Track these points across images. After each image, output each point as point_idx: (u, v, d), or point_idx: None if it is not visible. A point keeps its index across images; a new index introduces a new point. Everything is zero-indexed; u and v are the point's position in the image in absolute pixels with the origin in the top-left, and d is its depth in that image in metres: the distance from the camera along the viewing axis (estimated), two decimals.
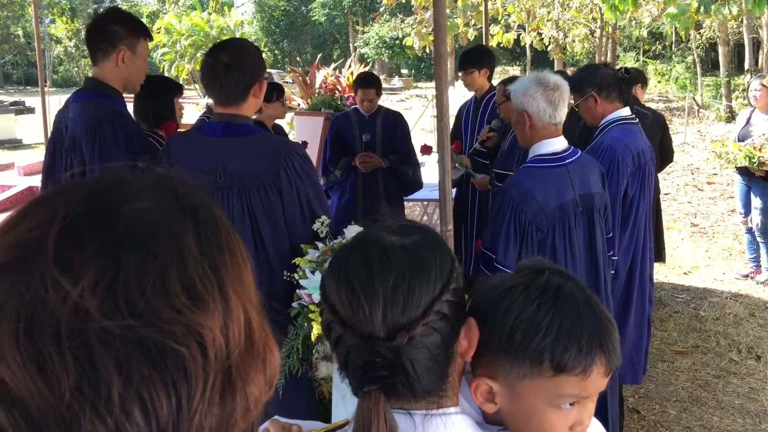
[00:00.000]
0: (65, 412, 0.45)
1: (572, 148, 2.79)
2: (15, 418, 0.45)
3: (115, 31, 2.78)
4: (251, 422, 0.56)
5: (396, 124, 5.08)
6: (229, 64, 2.45)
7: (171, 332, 0.48)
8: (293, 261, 2.50)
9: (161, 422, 0.47)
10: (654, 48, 26.33)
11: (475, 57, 4.86)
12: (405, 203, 5.57)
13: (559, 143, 2.73)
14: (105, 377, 0.46)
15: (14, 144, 16.65)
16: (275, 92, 4.39)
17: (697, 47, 21.15)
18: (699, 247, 7.34)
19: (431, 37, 15.09)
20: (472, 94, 5.09)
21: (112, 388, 0.46)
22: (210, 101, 5.70)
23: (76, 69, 42.17)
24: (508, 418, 1.06)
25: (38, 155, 12.22)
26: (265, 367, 0.57)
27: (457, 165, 4.63)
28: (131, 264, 0.48)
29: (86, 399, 0.45)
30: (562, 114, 2.71)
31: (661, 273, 6.32)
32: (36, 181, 8.95)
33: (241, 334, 0.54)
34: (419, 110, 18.61)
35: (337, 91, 8.98)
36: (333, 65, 13.81)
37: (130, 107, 3.03)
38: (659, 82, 24.57)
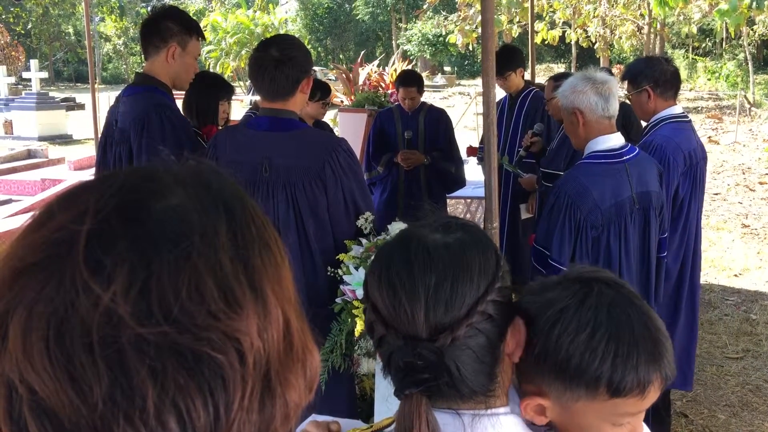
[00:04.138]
0: (98, 423, 0.44)
1: (629, 145, 2.71)
2: (46, 429, 0.44)
3: (167, 27, 2.81)
4: (290, 428, 0.53)
5: (439, 121, 5.06)
6: (279, 59, 2.46)
7: (207, 339, 0.46)
8: (337, 257, 2.50)
9: None
10: (704, 45, 25.68)
11: (510, 59, 4.76)
12: (448, 201, 5.54)
13: (615, 139, 2.66)
14: (139, 386, 0.44)
15: (65, 139, 17.07)
16: (319, 92, 4.36)
17: (749, 44, 20.56)
18: (750, 248, 7.14)
19: (474, 35, 15.02)
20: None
21: (146, 398, 0.44)
22: (255, 98, 5.76)
23: (124, 66, 43.02)
24: (560, 428, 1.05)
25: (88, 150, 12.53)
26: (305, 370, 0.54)
27: (503, 165, 4.57)
28: (164, 266, 0.46)
29: (120, 409, 0.44)
30: (615, 107, 2.64)
31: (710, 275, 6.17)
32: (85, 175, 9.16)
33: (280, 336, 0.51)
34: (462, 108, 18.50)
35: (380, 88, 8.99)
36: (376, 62, 13.82)
37: (179, 103, 3.07)
38: (709, 79, 23.93)
